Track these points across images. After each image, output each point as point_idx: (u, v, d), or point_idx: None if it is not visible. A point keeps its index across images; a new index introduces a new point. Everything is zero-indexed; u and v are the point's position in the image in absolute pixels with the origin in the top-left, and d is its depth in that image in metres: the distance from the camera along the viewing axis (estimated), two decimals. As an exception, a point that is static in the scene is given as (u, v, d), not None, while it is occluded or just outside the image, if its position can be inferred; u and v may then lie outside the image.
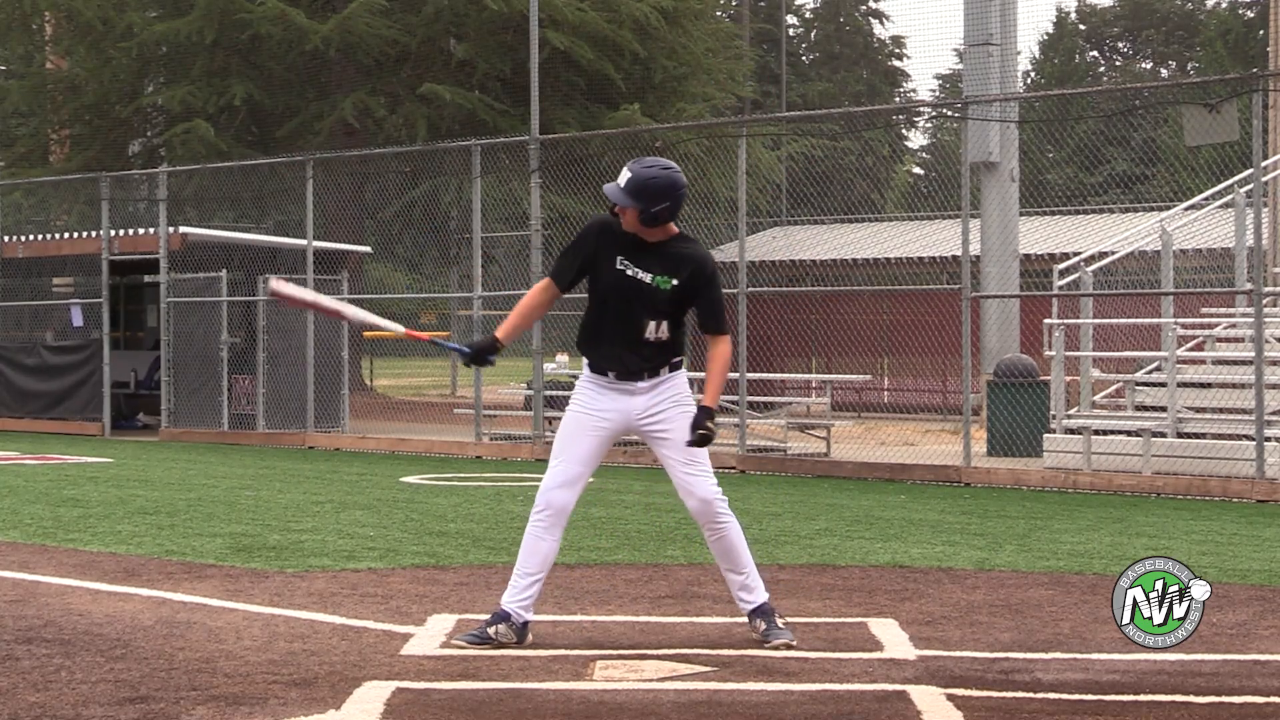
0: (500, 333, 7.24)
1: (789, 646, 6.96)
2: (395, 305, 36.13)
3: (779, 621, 7.13)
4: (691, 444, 7.04)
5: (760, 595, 7.15)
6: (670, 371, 7.16)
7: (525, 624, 7.03)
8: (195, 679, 6.37)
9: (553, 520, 7.09)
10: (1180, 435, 15.29)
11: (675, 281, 7.04)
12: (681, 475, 7.12)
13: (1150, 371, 16.85)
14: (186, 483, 15.62)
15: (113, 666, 6.60)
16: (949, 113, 29.49)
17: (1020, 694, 6.17)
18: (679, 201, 7.06)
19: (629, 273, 7.06)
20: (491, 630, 6.99)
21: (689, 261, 7.08)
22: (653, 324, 7.06)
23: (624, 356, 7.11)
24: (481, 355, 7.24)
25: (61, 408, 24.42)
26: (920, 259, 27.49)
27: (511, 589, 7.08)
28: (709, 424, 7.01)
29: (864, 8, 68.17)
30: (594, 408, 7.16)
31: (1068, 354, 16.79)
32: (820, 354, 27.10)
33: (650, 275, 7.05)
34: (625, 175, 7.06)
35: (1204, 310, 18.23)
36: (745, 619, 7.23)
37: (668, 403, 7.14)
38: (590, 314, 7.20)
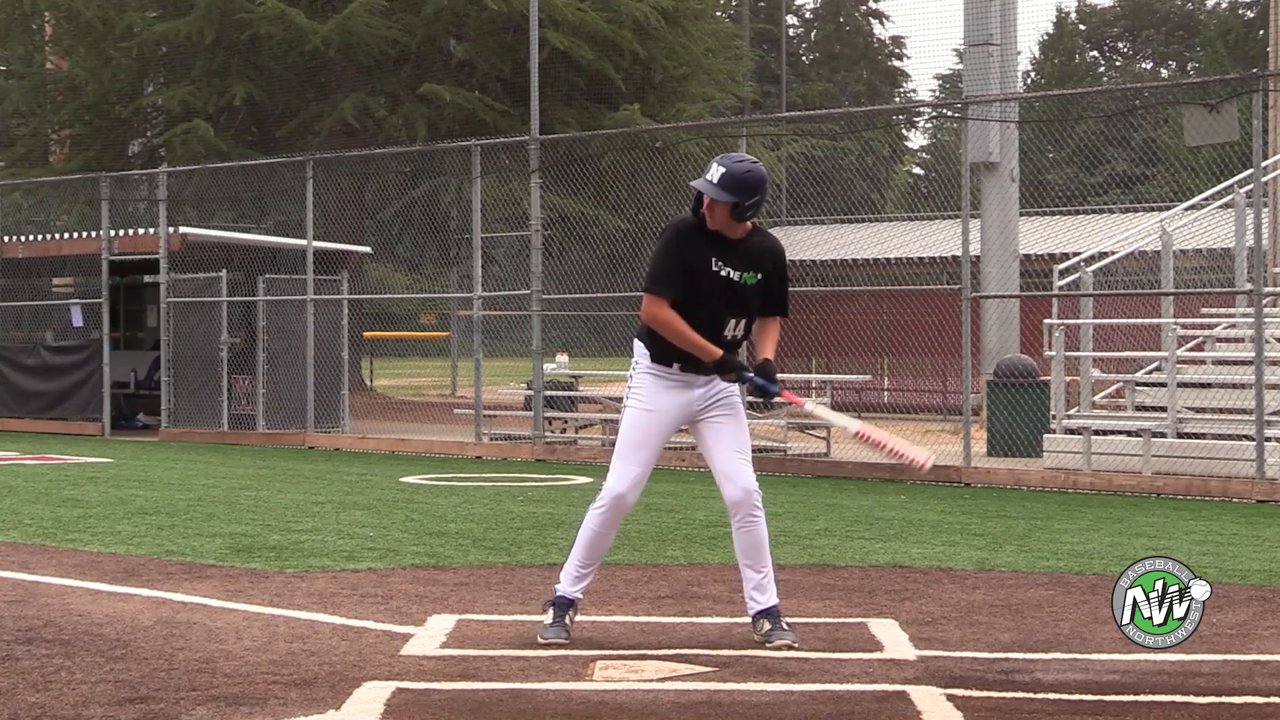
0: (718, 350, 7.10)
1: (790, 647, 6.97)
2: (395, 306, 36.15)
3: (783, 624, 7.15)
4: (760, 395, 7.10)
5: (772, 598, 7.17)
6: None
7: (579, 602, 7.29)
8: (195, 679, 6.37)
9: (617, 517, 7.22)
10: (1180, 435, 15.29)
11: (760, 276, 7.12)
12: (729, 462, 7.17)
13: (1150, 372, 16.84)
14: (186, 483, 15.62)
15: (112, 667, 6.60)
16: (949, 113, 29.49)
17: (1020, 694, 6.17)
18: (765, 194, 7.12)
19: (723, 273, 7.08)
20: (567, 619, 7.17)
21: (769, 254, 7.18)
22: (733, 321, 7.14)
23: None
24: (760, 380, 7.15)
25: (61, 408, 24.43)
26: (920, 259, 27.49)
27: (570, 578, 7.23)
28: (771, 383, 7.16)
29: (864, 8, 68.24)
30: (658, 405, 7.19)
31: (1068, 354, 16.79)
32: (820, 354, 27.08)
33: (739, 273, 7.10)
34: (718, 170, 7.02)
35: (1204, 310, 18.22)
36: (748, 619, 7.22)
37: (724, 392, 7.22)
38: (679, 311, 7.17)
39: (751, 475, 7.19)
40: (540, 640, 7.11)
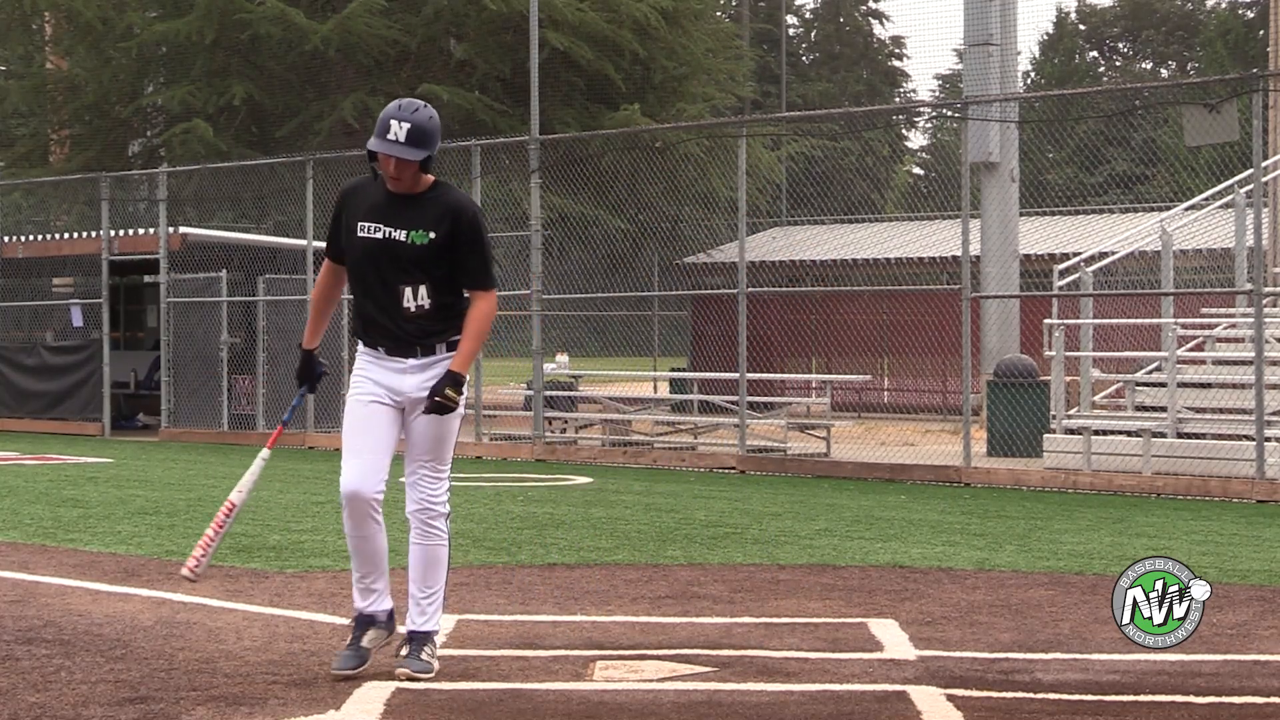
0: (307, 345, 6.90)
1: (412, 678, 6.32)
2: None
3: (424, 654, 6.43)
4: (427, 410, 6.40)
5: (431, 623, 6.50)
6: (449, 350, 6.50)
7: (387, 615, 6.55)
8: (195, 679, 6.37)
9: (360, 515, 6.43)
10: (1180, 435, 15.29)
11: (432, 235, 6.38)
12: (414, 472, 6.51)
13: (1150, 372, 16.84)
14: (186, 483, 15.62)
15: (112, 667, 6.60)
16: (949, 113, 29.49)
17: (1020, 694, 6.17)
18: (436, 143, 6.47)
19: (378, 234, 6.40)
20: (364, 641, 6.49)
21: (449, 211, 6.42)
22: (408, 291, 6.43)
23: (393, 333, 6.47)
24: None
25: (61, 408, 24.43)
26: (920, 259, 27.49)
27: (356, 592, 6.59)
28: (449, 391, 6.36)
29: (864, 8, 68.25)
30: (366, 390, 6.52)
31: (1068, 354, 16.79)
32: (820, 354, 27.09)
33: (405, 232, 6.40)
34: (402, 128, 6.29)
35: (1204, 310, 18.23)
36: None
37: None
38: (352, 285, 6.61)
39: (435, 488, 6.50)
40: (330, 670, 6.48)
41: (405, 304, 6.43)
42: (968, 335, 16.60)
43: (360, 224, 6.45)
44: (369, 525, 6.44)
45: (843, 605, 8.25)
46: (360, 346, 6.62)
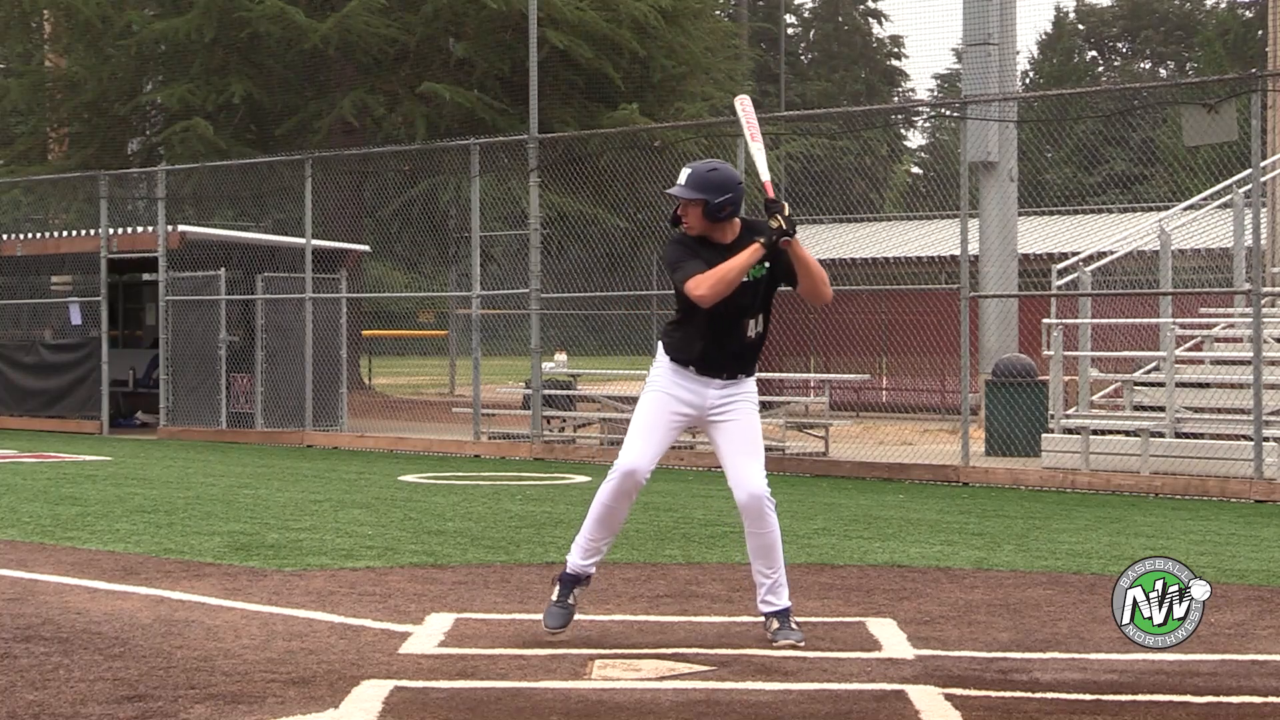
0: (752, 247, 7.05)
1: (794, 646, 6.97)
2: (394, 304, 36.14)
3: (792, 623, 7.15)
4: (778, 232, 6.98)
5: (784, 600, 7.16)
6: (747, 377, 7.25)
7: (591, 575, 7.28)
8: (193, 677, 6.37)
9: (626, 491, 7.17)
10: (1178, 435, 15.29)
11: (766, 265, 7.09)
12: (738, 466, 7.15)
13: (1148, 371, 16.85)
14: (185, 481, 15.62)
15: (111, 665, 6.60)
16: (947, 112, 29.48)
17: (1018, 693, 6.18)
18: (740, 195, 7.13)
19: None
20: (571, 597, 7.17)
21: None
22: (751, 321, 7.16)
23: (718, 358, 7.14)
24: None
25: (60, 406, 24.43)
26: (919, 259, 27.50)
27: (580, 550, 7.21)
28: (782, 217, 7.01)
29: (862, 7, 68.30)
30: (674, 395, 7.18)
31: (1066, 354, 16.79)
32: (819, 353, 27.08)
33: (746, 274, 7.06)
34: (685, 174, 7.13)
35: (1202, 310, 18.23)
36: (751, 619, 7.22)
37: (739, 397, 7.20)
38: (685, 319, 7.17)
39: (760, 479, 7.14)
40: (544, 626, 7.15)
41: (750, 333, 7.17)
42: (966, 335, 16.60)
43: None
44: (626, 501, 7.20)
45: (841, 604, 8.25)
46: (667, 360, 7.23)
